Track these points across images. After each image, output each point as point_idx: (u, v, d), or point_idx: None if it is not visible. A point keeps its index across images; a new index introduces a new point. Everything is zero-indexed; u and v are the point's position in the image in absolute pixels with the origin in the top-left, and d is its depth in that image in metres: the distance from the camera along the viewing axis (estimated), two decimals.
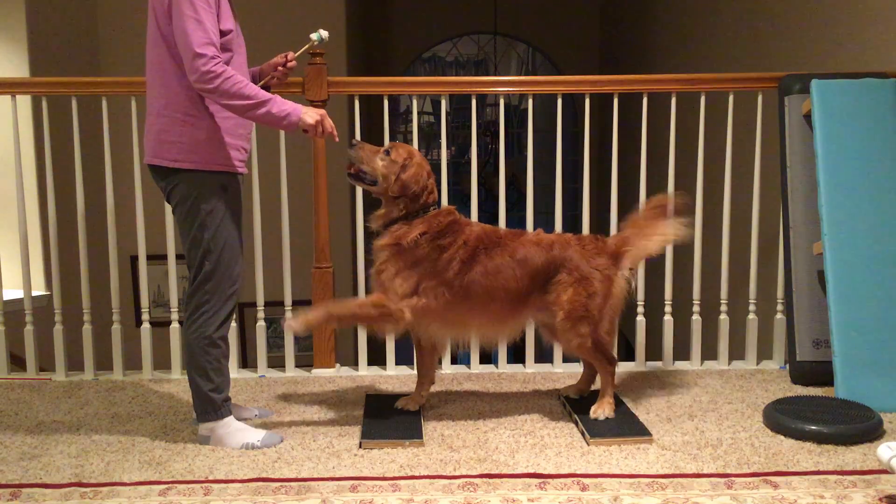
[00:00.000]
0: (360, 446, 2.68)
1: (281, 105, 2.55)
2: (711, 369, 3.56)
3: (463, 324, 2.90)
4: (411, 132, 3.70)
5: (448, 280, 2.78)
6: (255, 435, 2.69)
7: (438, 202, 2.94)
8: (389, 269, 2.79)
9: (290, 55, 2.89)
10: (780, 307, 3.57)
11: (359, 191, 3.55)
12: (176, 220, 2.69)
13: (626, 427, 2.78)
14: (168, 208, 3.54)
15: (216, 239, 2.63)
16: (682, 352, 3.64)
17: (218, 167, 2.62)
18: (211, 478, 2.45)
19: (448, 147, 10.40)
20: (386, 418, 2.88)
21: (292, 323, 2.80)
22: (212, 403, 2.68)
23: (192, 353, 2.67)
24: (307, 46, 2.99)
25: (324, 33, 2.97)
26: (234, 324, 3.58)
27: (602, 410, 2.87)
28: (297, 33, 6.01)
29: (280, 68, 2.86)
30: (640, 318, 3.64)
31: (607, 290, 2.86)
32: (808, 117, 3.34)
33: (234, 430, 2.69)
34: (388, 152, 2.83)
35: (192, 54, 2.44)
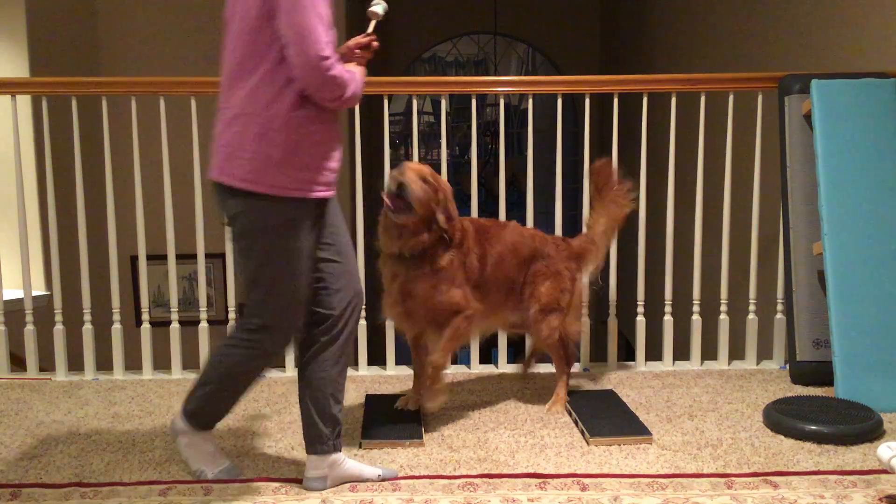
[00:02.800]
0: (360, 446, 2.68)
1: (356, 85, 2.24)
2: (711, 369, 3.56)
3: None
4: (411, 132, 3.70)
5: (475, 282, 2.86)
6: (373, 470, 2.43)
7: None
8: (438, 295, 2.74)
9: (373, 36, 2.48)
10: (780, 307, 3.57)
11: (359, 190, 3.55)
12: (234, 250, 2.30)
13: (626, 427, 2.78)
14: (169, 208, 3.55)
15: (277, 278, 2.23)
16: (682, 352, 3.64)
17: (293, 192, 2.18)
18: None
19: (448, 147, 10.39)
20: (386, 418, 2.88)
21: (431, 405, 2.80)
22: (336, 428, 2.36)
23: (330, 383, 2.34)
24: (374, 21, 2.59)
25: (384, 5, 2.61)
26: (234, 324, 3.58)
27: (556, 408, 3.01)
28: None
29: (358, 51, 2.46)
30: (640, 318, 3.64)
31: (573, 287, 3.06)
32: (808, 117, 3.34)
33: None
34: (425, 181, 2.67)
35: (315, 56, 2.07)
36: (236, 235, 2.25)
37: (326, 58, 2.09)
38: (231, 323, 3.56)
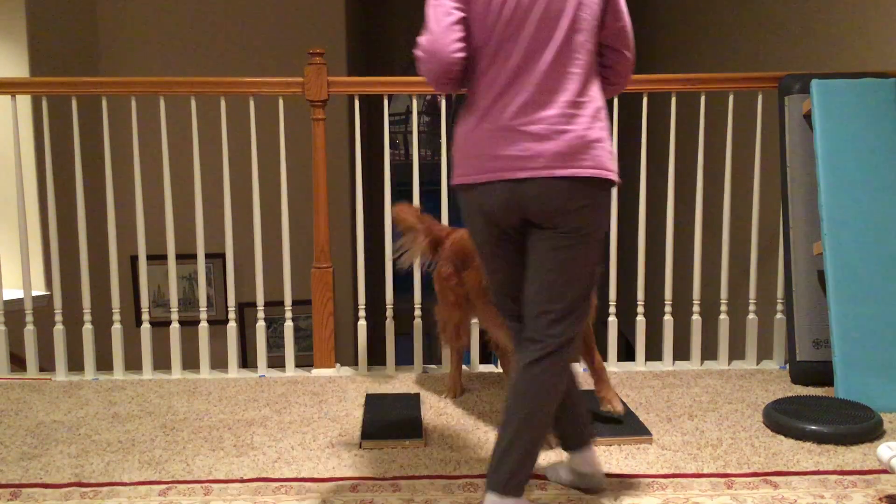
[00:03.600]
0: (360, 446, 2.68)
1: None
2: (711, 369, 3.56)
3: None
4: (411, 132, 3.69)
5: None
6: None
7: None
8: None
9: None
10: (780, 307, 3.57)
11: (359, 191, 3.55)
12: (580, 243, 2.11)
13: (626, 427, 2.78)
14: (169, 208, 3.54)
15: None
16: (682, 352, 3.65)
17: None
18: (211, 478, 2.45)
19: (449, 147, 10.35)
20: (386, 418, 2.88)
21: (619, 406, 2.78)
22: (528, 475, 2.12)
23: (552, 403, 2.14)
24: None
25: None
26: (233, 324, 3.59)
27: None
28: (297, 33, 6.04)
29: None
30: (640, 318, 3.64)
31: None
32: (808, 117, 3.34)
33: None
34: None
35: (634, 55, 2.23)
36: (590, 230, 2.13)
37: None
38: (231, 324, 3.57)
